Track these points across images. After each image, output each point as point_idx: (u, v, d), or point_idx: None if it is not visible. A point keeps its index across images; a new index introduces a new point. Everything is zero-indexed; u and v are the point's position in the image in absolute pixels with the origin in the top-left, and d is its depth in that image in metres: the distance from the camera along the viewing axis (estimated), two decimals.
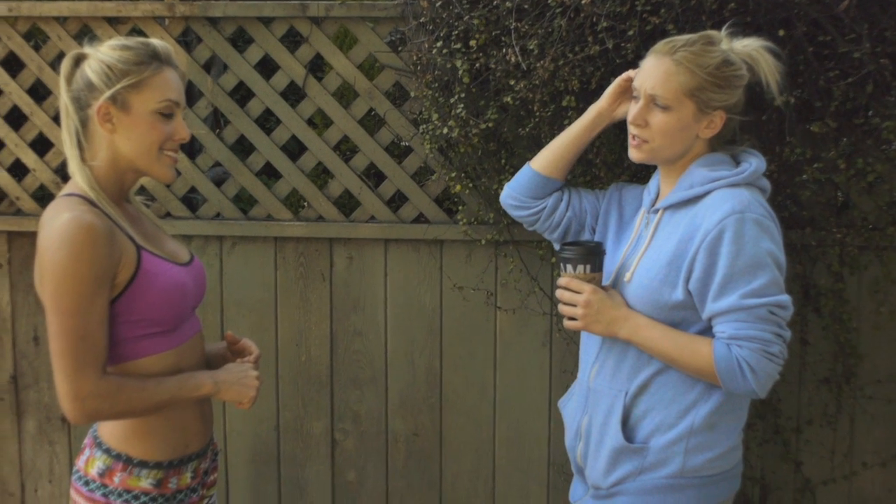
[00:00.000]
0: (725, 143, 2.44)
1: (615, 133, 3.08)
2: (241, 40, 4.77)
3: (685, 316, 2.35)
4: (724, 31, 2.40)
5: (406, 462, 3.74)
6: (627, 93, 2.57)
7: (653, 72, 2.36)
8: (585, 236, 2.76)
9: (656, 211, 2.47)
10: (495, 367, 3.64)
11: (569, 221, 2.75)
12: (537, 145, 3.19)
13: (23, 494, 3.93)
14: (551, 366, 3.61)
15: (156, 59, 2.25)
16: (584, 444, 2.58)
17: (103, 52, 2.24)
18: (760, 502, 3.58)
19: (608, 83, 2.66)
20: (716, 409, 2.37)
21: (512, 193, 2.81)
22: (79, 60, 2.27)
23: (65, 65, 2.27)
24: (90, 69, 2.23)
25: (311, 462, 3.78)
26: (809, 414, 3.54)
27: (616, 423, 2.45)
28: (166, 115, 2.26)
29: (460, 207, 3.55)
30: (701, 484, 2.40)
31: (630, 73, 2.55)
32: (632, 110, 2.41)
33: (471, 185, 3.45)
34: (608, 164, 3.16)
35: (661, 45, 2.39)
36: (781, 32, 2.82)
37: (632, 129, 2.42)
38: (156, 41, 2.29)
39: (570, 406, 2.69)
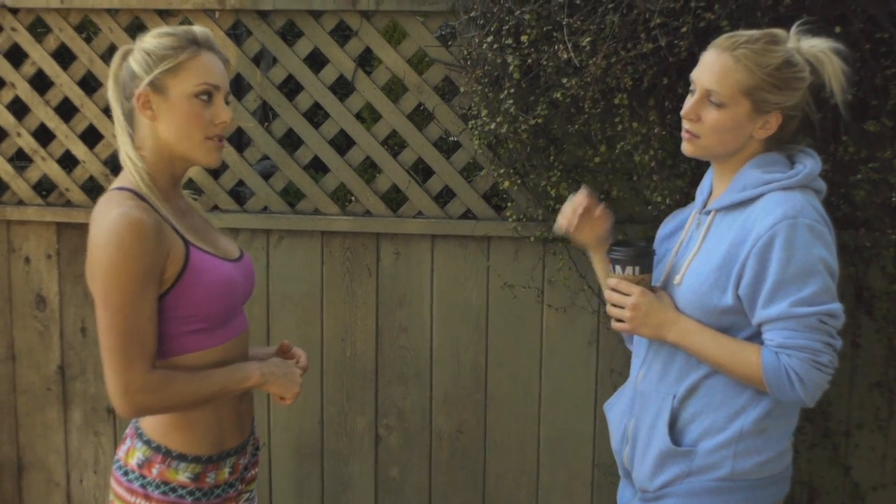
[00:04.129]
0: (783, 143, 2.39)
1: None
2: (290, 34, 4.77)
3: (735, 321, 2.31)
4: (793, 30, 2.33)
5: (450, 459, 3.73)
6: (587, 213, 2.56)
7: (711, 66, 2.31)
8: None
9: (708, 212, 2.43)
10: (541, 366, 3.62)
11: None
12: (587, 142, 3.17)
13: (68, 484, 3.96)
14: (598, 365, 3.57)
15: (194, 43, 2.25)
16: (630, 446, 2.55)
17: (146, 42, 2.25)
18: None
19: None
20: (766, 413, 2.33)
21: None
22: (126, 56, 2.28)
23: (114, 62, 2.29)
24: (133, 60, 2.25)
25: (355, 457, 3.77)
26: (860, 418, 3.49)
27: (663, 426, 2.41)
28: (205, 99, 2.25)
29: (509, 204, 3.53)
30: (750, 487, 2.37)
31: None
32: (686, 103, 2.37)
33: (519, 181, 3.43)
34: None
35: (722, 39, 2.33)
36: (838, 29, 2.76)
37: (684, 123, 2.38)
38: (197, 27, 2.28)
39: (616, 409, 2.65)
